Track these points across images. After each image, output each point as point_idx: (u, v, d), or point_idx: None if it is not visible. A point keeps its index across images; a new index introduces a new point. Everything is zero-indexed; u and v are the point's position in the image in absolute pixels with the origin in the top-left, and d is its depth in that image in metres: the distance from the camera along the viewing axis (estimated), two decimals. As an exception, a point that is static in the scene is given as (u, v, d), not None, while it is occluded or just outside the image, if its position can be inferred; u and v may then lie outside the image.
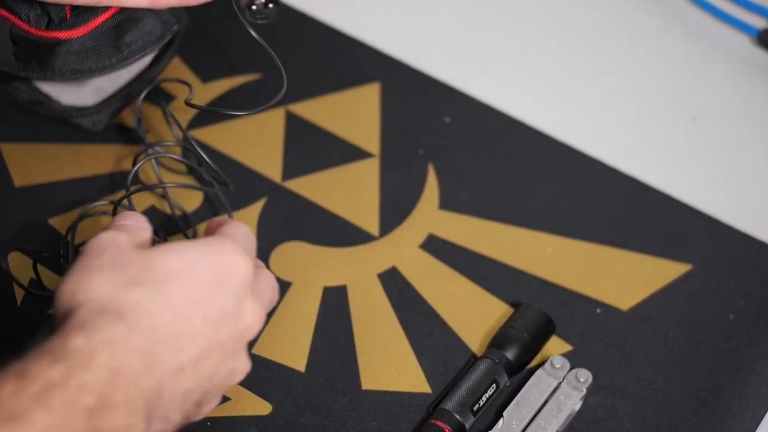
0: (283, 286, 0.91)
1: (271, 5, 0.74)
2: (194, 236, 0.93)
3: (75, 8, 0.91)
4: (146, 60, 0.97)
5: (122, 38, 0.93)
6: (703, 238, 0.96)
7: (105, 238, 0.75)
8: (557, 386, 0.86)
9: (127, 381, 0.69)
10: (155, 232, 0.89)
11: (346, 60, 1.05)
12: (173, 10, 0.96)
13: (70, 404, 0.66)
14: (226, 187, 0.93)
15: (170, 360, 0.71)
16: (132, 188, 0.89)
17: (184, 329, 0.72)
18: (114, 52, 0.93)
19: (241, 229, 0.78)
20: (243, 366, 0.77)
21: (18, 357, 0.68)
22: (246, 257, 0.75)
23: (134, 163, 0.91)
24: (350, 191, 0.97)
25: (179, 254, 0.74)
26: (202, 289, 0.73)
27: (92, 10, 0.92)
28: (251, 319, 0.75)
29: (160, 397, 0.71)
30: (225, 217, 0.90)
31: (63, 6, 0.90)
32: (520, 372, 0.87)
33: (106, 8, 0.92)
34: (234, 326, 0.74)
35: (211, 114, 1.00)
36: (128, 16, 0.93)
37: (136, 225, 0.78)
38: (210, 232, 0.80)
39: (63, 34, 0.91)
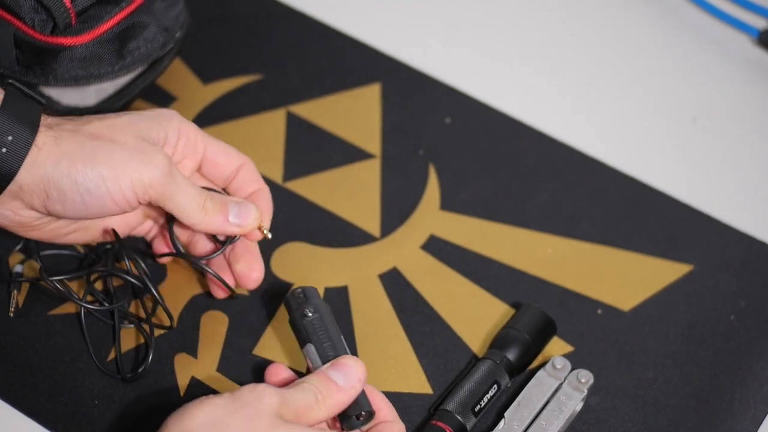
0: (285, 287, 0.91)
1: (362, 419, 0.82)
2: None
3: (80, 14, 0.91)
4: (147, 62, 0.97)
5: (126, 46, 0.93)
6: (704, 238, 0.96)
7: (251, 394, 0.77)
8: (558, 387, 0.86)
9: None
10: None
11: (347, 60, 1.05)
12: (176, 18, 0.96)
13: None
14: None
15: None
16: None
17: None
18: (117, 59, 0.93)
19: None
20: None
21: None
22: None
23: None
24: (351, 192, 0.97)
25: None
26: None
27: (98, 17, 0.92)
28: None
29: None
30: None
31: (68, 11, 0.90)
32: (521, 373, 0.87)
33: (111, 15, 0.92)
34: None
35: (211, 115, 1.00)
36: (132, 24, 0.93)
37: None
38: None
39: (67, 41, 0.91)
